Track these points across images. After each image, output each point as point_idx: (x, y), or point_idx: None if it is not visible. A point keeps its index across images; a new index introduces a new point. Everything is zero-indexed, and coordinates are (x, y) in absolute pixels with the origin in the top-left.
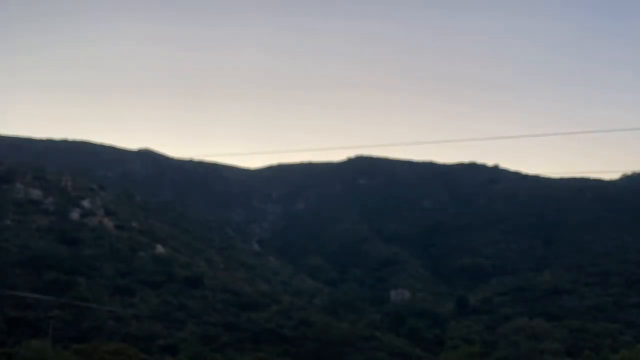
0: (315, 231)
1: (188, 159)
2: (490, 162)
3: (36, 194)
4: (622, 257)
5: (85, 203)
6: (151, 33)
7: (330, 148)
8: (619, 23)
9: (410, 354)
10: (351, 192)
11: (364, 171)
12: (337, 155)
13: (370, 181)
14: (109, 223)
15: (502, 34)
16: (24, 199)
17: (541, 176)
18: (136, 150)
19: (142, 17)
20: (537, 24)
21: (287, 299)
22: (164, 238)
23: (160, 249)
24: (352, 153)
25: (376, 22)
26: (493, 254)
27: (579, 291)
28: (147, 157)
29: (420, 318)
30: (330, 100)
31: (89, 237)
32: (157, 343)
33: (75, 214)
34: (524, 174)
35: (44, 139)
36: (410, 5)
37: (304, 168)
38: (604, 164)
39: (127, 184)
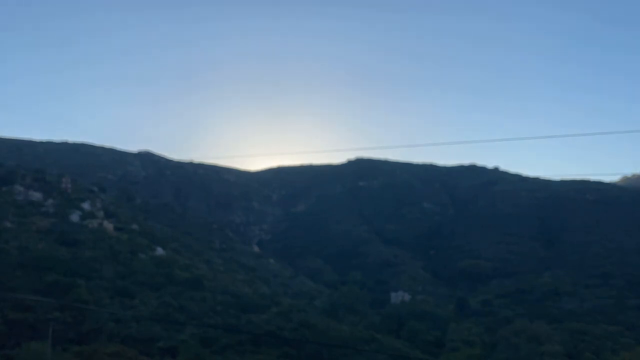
0: (315, 233)
1: (188, 161)
2: (490, 164)
3: (36, 196)
4: (622, 259)
5: (85, 205)
6: (151, 33)
7: (330, 150)
8: (619, 27)
9: (410, 356)
10: (351, 194)
11: (364, 173)
12: (337, 157)
13: (370, 183)
14: (109, 225)
15: (502, 37)
16: (24, 201)
17: (541, 178)
18: (136, 152)
19: (141, 17)
20: (537, 27)
21: (287, 301)
22: (164, 240)
23: (160, 250)
24: (352, 155)
25: (376, 25)
26: (493, 256)
27: (579, 293)
28: (147, 159)
29: (420, 320)
30: (330, 102)
31: (89, 239)
32: (157, 345)
33: (75, 216)
34: (524, 176)
35: (44, 141)
36: (410, 9)
37: (304, 170)
38: (604, 166)
39: (127, 186)
